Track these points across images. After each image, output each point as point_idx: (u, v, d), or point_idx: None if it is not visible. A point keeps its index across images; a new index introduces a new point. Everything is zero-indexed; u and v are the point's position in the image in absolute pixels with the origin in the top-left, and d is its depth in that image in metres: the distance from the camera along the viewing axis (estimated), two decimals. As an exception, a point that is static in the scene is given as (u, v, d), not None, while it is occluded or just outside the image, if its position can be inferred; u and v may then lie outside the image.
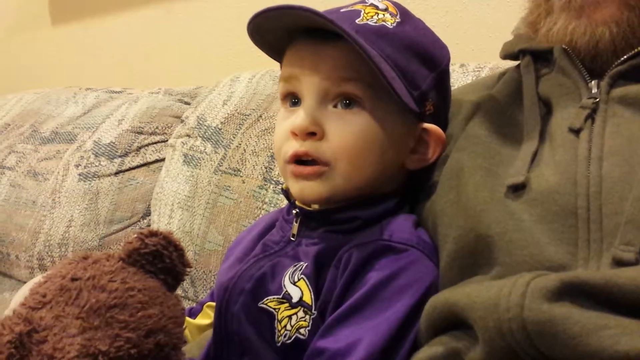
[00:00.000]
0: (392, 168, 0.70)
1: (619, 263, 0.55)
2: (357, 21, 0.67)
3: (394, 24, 0.69)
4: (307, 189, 0.67)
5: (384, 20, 0.68)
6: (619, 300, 0.51)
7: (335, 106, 0.67)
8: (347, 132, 0.66)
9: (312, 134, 0.66)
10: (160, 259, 0.60)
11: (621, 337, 0.49)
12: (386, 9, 0.70)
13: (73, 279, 0.57)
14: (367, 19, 0.68)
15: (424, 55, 0.69)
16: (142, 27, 1.82)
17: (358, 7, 0.70)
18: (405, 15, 0.71)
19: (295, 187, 0.68)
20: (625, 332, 0.49)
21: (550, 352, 0.51)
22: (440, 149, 0.71)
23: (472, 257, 0.62)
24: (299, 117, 0.66)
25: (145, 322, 0.55)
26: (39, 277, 0.61)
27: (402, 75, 0.67)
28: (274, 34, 0.69)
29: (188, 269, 0.63)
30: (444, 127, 0.73)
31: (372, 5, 0.70)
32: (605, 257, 0.56)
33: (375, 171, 0.68)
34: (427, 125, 0.70)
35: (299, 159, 0.67)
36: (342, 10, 0.70)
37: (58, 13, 2.03)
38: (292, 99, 0.70)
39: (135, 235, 0.61)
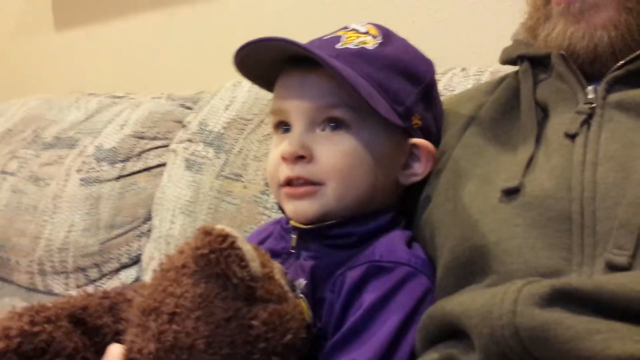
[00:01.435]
0: (384, 185, 0.71)
1: (612, 267, 0.55)
2: (336, 46, 0.70)
3: (375, 45, 0.71)
4: (300, 209, 0.69)
5: (364, 43, 0.70)
6: (609, 306, 0.51)
7: (322, 129, 0.69)
8: (335, 152, 0.68)
9: (301, 157, 0.68)
10: None
11: (612, 341, 0.49)
12: (367, 32, 0.72)
13: None
14: (347, 43, 0.70)
15: (406, 72, 0.71)
16: (145, 32, 1.82)
17: (340, 33, 0.72)
18: (386, 36, 0.73)
19: (289, 208, 0.70)
20: (617, 337, 0.49)
21: (543, 358, 0.51)
22: (431, 163, 0.72)
23: (466, 267, 0.63)
24: (288, 143, 0.69)
25: None
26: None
27: (385, 92, 0.68)
28: (259, 66, 0.72)
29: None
30: (436, 140, 0.74)
31: (353, 29, 0.72)
32: (598, 261, 0.56)
33: (366, 189, 0.69)
34: (416, 140, 0.72)
35: (292, 182, 0.69)
36: (324, 38, 0.72)
37: (61, 18, 2.03)
38: (283, 126, 0.72)
39: None
